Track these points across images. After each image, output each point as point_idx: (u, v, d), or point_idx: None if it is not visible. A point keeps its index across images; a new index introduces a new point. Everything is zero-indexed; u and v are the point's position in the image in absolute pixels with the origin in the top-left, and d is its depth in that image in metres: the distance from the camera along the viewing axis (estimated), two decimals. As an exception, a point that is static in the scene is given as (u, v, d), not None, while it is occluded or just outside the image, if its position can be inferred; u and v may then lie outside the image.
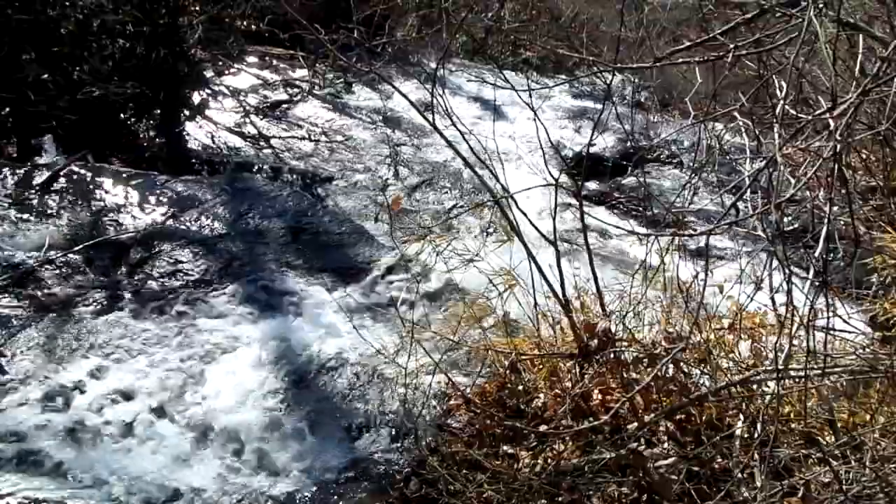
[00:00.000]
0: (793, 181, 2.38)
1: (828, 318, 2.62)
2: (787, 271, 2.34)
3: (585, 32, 9.67)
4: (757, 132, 3.15)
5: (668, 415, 3.12)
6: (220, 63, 8.40)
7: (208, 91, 7.82)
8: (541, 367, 3.58)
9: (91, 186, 5.58)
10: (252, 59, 9.28)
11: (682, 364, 3.21)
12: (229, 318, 4.44)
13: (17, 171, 5.56)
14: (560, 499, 2.97)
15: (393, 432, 3.73)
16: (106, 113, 6.43)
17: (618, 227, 5.31)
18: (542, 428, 3.26)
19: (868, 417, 2.76)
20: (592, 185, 7.40)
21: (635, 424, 3.04)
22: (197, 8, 8.00)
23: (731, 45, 2.94)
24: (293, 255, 5.16)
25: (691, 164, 7.27)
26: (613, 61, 3.54)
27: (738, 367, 3.12)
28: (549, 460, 3.19)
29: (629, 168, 7.60)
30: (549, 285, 3.41)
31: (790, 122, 2.63)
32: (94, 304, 4.42)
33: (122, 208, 5.40)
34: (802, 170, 2.71)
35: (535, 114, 3.56)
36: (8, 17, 5.91)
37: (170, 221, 5.31)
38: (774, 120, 2.44)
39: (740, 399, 2.95)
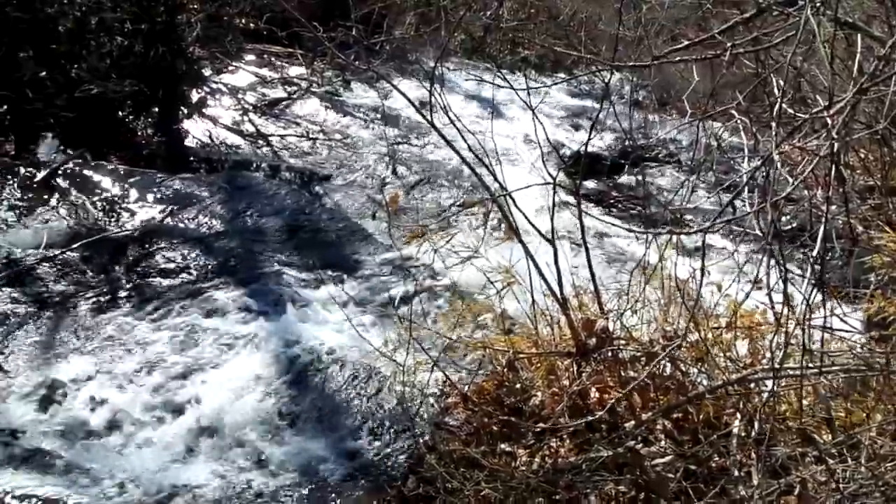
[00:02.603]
0: (790, 180, 2.38)
1: (825, 317, 2.63)
2: (783, 270, 2.35)
3: (584, 31, 9.65)
4: (754, 131, 3.15)
5: (666, 413, 3.12)
6: (219, 61, 8.38)
7: (206, 89, 7.80)
8: (539, 365, 3.58)
9: (89, 184, 5.58)
10: (250, 56, 9.26)
11: (679, 362, 3.22)
12: (227, 316, 4.44)
13: (16, 169, 5.56)
14: (557, 497, 2.97)
15: (391, 430, 3.74)
16: (104, 111, 6.42)
17: (615, 226, 5.32)
18: (540, 426, 3.26)
19: (865, 416, 2.76)
20: (591, 184, 7.40)
21: (633, 423, 3.05)
22: (195, 5, 7.99)
23: (729, 44, 2.94)
24: (291, 253, 5.16)
25: (689, 162, 7.28)
26: (612, 60, 3.54)
27: (736, 366, 3.12)
28: (547, 458, 3.19)
29: (627, 167, 7.60)
30: (547, 283, 3.41)
31: (788, 120, 2.63)
32: (92, 301, 4.42)
33: (120, 206, 5.40)
34: (800, 168, 2.71)
35: (534, 112, 3.56)
36: (6, 15, 5.90)
37: (168, 219, 5.31)
38: (772, 118, 2.44)
39: (737, 397, 2.95)
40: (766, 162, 2.43)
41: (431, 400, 3.81)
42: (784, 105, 2.49)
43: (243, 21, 9.30)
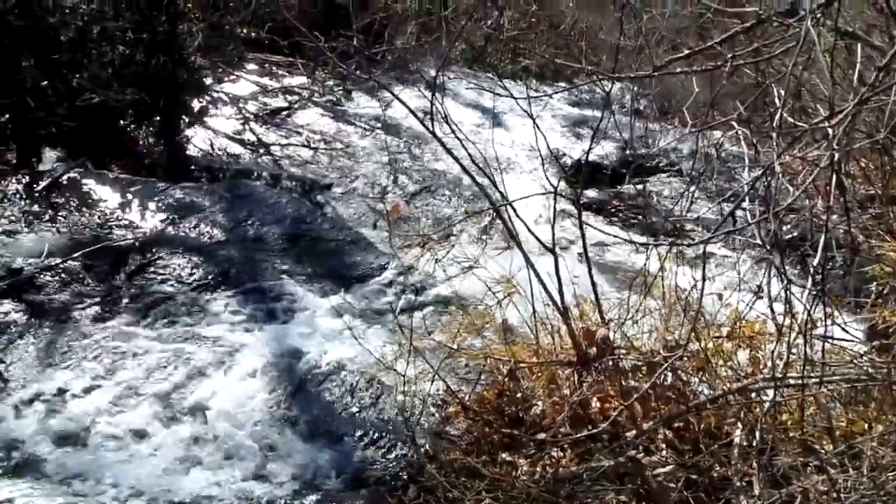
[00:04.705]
0: (791, 190, 2.39)
1: (826, 326, 2.63)
2: (784, 280, 2.35)
3: (585, 41, 9.68)
4: (755, 141, 3.15)
5: (667, 423, 3.11)
6: (220, 70, 8.41)
7: (208, 98, 7.82)
8: (539, 374, 3.58)
9: (90, 193, 5.59)
10: (252, 66, 9.29)
11: (680, 372, 3.21)
12: (228, 325, 4.44)
13: (17, 178, 5.57)
14: (558, 506, 2.97)
15: (391, 439, 3.73)
16: (105, 119, 6.44)
17: (616, 236, 5.32)
18: (541, 436, 3.25)
19: (866, 426, 2.76)
20: (591, 194, 7.40)
21: (634, 432, 3.04)
22: (197, 15, 8.03)
23: (730, 54, 2.95)
24: (292, 262, 5.16)
25: (690, 172, 7.28)
26: (612, 70, 3.54)
27: (737, 376, 3.11)
28: (548, 468, 3.19)
29: (628, 176, 7.60)
30: (548, 293, 3.41)
31: (788, 130, 2.63)
32: (93, 310, 4.42)
33: (122, 215, 5.41)
34: (801, 178, 2.71)
35: (535, 122, 3.57)
36: (8, 24, 5.92)
37: (169, 228, 5.31)
38: (773, 128, 2.44)
39: (739, 407, 2.95)
40: (767, 172, 2.43)
41: (432, 409, 3.80)
42: (785, 115, 2.49)
43: (244, 30, 9.33)
